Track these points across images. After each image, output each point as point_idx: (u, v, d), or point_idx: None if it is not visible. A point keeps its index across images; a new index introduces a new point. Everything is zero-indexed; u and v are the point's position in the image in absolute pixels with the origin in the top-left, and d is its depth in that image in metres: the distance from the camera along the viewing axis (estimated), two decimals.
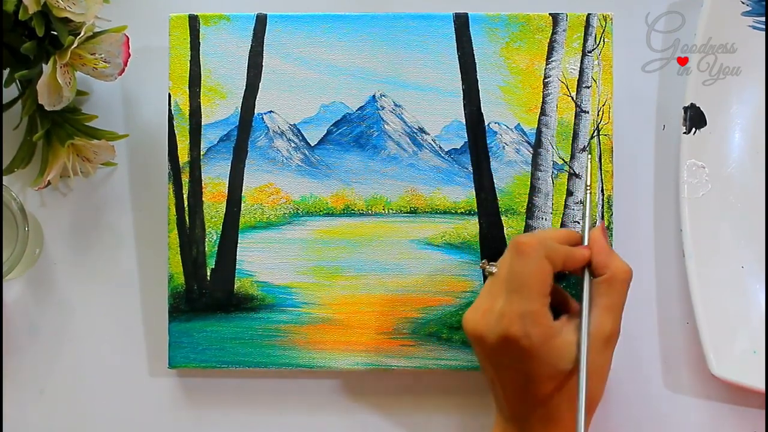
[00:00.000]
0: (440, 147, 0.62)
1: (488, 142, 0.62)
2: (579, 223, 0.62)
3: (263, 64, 0.62)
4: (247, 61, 0.62)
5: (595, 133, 0.62)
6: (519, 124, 0.62)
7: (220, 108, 0.62)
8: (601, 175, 0.62)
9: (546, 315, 0.53)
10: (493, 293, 0.54)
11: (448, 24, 0.62)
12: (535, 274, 0.53)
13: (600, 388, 0.55)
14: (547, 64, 0.62)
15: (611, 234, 0.61)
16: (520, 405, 0.54)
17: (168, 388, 0.64)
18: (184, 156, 0.62)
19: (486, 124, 0.62)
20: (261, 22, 0.62)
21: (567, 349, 0.53)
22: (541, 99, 0.62)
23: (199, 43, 0.62)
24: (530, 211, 0.62)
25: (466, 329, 0.55)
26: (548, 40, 0.62)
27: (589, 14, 0.62)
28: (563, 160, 0.62)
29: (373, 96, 0.62)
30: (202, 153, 0.62)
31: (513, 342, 0.52)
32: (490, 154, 0.62)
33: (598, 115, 0.62)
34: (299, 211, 0.62)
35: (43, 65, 0.58)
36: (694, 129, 0.62)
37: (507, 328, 0.52)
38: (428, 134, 0.62)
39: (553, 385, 0.53)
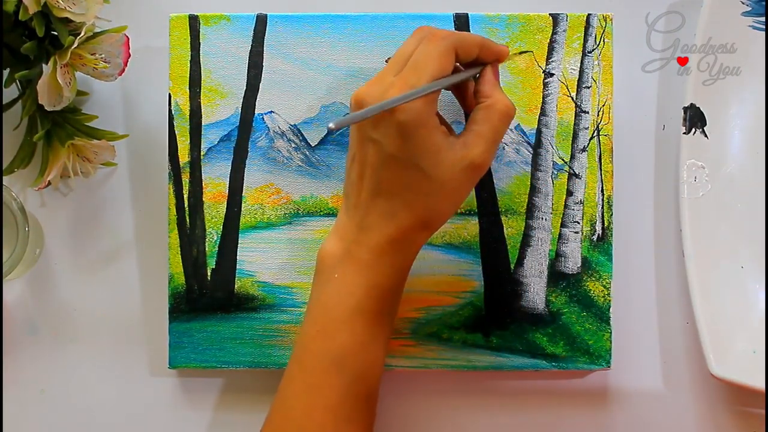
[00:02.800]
0: None
1: None
2: (579, 223, 0.62)
3: (263, 64, 0.62)
4: (247, 61, 0.62)
5: (595, 133, 0.62)
6: (519, 124, 0.62)
7: (221, 108, 0.62)
8: (601, 175, 0.62)
9: (433, 101, 0.51)
10: (388, 69, 0.52)
11: (448, 24, 0.62)
12: (436, 57, 0.51)
13: (450, 209, 0.53)
14: (547, 65, 0.62)
15: (611, 234, 0.61)
16: (369, 192, 0.52)
17: (168, 388, 0.64)
18: (184, 156, 0.62)
19: None
20: (261, 22, 0.62)
21: (443, 157, 0.51)
22: (541, 99, 0.62)
23: (200, 43, 0.62)
24: (530, 211, 0.62)
25: (351, 99, 0.52)
26: (548, 40, 0.62)
27: (589, 14, 0.62)
28: (563, 160, 0.62)
29: None
30: (202, 153, 0.62)
31: (391, 112, 0.50)
32: None
33: (598, 115, 0.62)
34: (300, 212, 0.62)
35: (43, 65, 0.58)
36: (694, 129, 0.62)
37: (390, 96, 0.49)
38: None
39: (408, 179, 0.51)
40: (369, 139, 0.51)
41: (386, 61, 0.56)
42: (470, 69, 0.55)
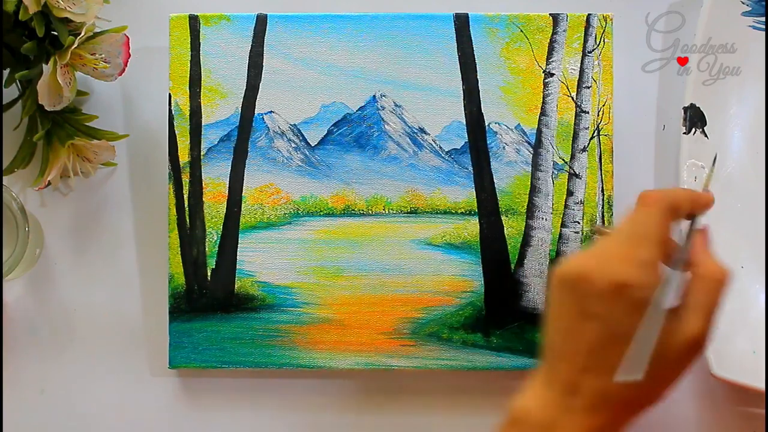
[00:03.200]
0: (440, 147, 0.62)
1: (488, 142, 0.62)
2: (579, 223, 0.62)
3: (263, 64, 0.62)
4: (247, 61, 0.62)
5: (595, 133, 0.62)
6: (519, 124, 0.62)
7: (221, 108, 0.62)
8: (601, 175, 0.62)
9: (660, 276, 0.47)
10: (608, 243, 0.49)
11: (448, 24, 0.62)
12: (658, 223, 0.48)
13: (664, 389, 0.49)
14: (547, 65, 0.62)
15: None
16: (580, 370, 0.48)
17: (168, 388, 0.64)
18: (184, 156, 0.62)
19: (486, 124, 0.62)
20: (261, 22, 0.62)
21: (663, 331, 0.47)
22: (541, 99, 0.62)
23: (200, 43, 0.62)
24: (530, 211, 0.62)
25: (563, 272, 0.48)
26: (548, 40, 0.62)
27: (589, 14, 0.62)
28: (563, 160, 0.62)
29: (374, 96, 0.62)
30: (202, 153, 0.62)
31: (626, 288, 0.46)
32: (490, 154, 0.62)
33: (598, 115, 0.62)
34: (300, 212, 0.62)
35: (44, 65, 0.58)
36: (694, 129, 0.62)
37: (624, 272, 0.46)
38: (428, 134, 0.62)
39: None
40: (593, 315, 0.48)
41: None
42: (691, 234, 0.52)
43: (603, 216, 0.62)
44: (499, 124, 0.62)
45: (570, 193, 0.62)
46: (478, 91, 0.62)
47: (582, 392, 0.48)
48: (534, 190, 0.62)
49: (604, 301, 0.47)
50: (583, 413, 0.48)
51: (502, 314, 0.62)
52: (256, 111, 0.62)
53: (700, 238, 0.52)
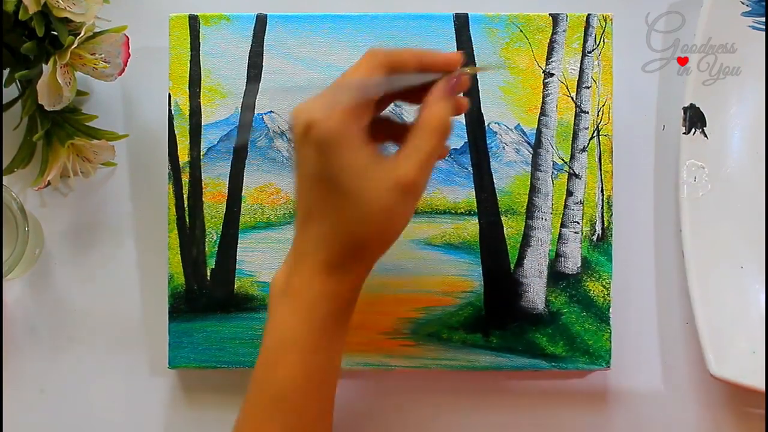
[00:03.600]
0: None
1: (488, 142, 0.62)
2: (579, 223, 0.62)
3: (263, 64, 0.62)
4: (247, 61, 0.62)
5: (595, 133, 0.62)
6: (519, 124, 0.62)
7: (220, 108, 0.62)
8: (601, 175, 0.62)
9: (356, 117, 0.46)
10: (323, 91, 0.48)
11: (448, 24, 0.62)
12: (363, 73, 0.47)
13: (385, 233, 0.49)
14: (546, 65, 0.62)
15: (611, 234, 0.61)
16: (301, 216, 0.49)
17: (168, 388, 0.64)
18: (184, 156, 0.62)
19: (486, 124, 0.62)
20: (261, 22, 0.62)
21: (369, 177, 0.46)
22: (541, 99, 0.62)
23: (199, 43, 0.62)
24: (530, 211, 0.62)
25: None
26: (548, 41, 0.62)
27: (589, 14, 0.62)
28: (563, 160, 0.62)
29: None
30: (202, 153, 0.62)
31: (309, 129, 0.46)
32: (490, 154, 0.62)
33: (598, 115, 0.62)
34: None
35: (43, 65, 0.58)
36: (694, 129, 0.62)
37: (307, 112, 0.46)
38: None
39: (334, 202, 0.47)
40: (296, 159, 0.48)
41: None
42: (417, 76, 0.50)
43: (603, 216, 0.61)
44: (498, 124, 0.62)
45: (570, 194, 0.62)
46: (478, 91, 0.62)
47: (306, 247, 0.48)
48: (534, 190, 0.62)
49: (300, 146, 0.47)
50: (312, 268, 0.48)
51: (501, 314, 0.62)
52: (256, 111, 0.62)
53: (439, 86, 0.49)
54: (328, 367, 0.50)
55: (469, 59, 0.62)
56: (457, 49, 0.62)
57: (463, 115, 0.62)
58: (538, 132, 0.62)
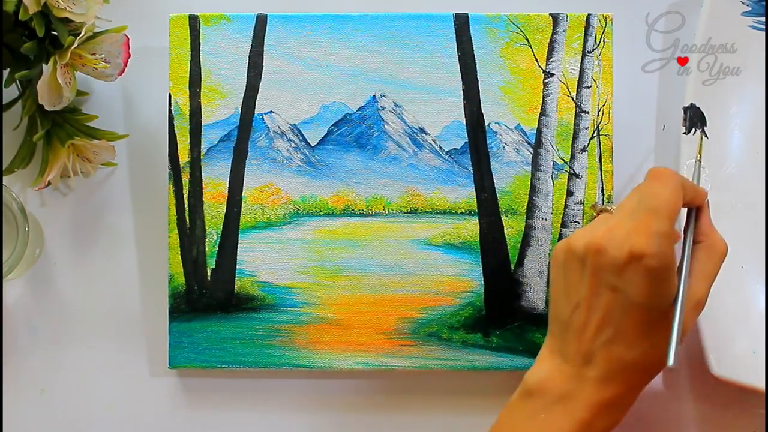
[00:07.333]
0: (440, 147, 0.62)
1: (488, 142, 0.62)
2: (579, 223, 0.62)
3: (263, 64, 0.62)
4: (247, 61, 0.62)
5: (595, 133, 0.62)
6: (519, 124, 0.62)
7: (221, 108, 0.62)
8: (601, 175, 0.62)
9: (675, 243, 0.49)
10: (619, 216, 0.50)
11: (448, 24, 0.62)
12: (672, 198, 0.49)
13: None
14: (547, 65, 0.62)
15: None
16: (604, 341, 0.50)
17: (168, 388, 0.64)
18: (184, 156, 0.62)
19: (486, 124, 0.62)
20: (261, 22, 0.62)
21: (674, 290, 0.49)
22: (541, 99, 0.62)
23: (200, 43, 0.62)
24: (530, 211, 0.62)
25: (574, 245, 0.50)
26: (548, 40, 0.62)
27: (589, 14, 0.62)
28: (563, 160, 0.62)
29: (374, 96, 0.62)
30: (202, 153, 0.62)
31: (639, 259, 0.48)
32: (490, 154, 0.62)
33: (598, 115, 0.62)
34: (299, 211, 0.62)
35: (43, 65, 0.58)
36: (694, 129, 0.62)
37: (637, 243, 0.48)
38: (428, 134, 0.62)
39: (652, 325, 0.49)
40: (608, 286, 0.49)
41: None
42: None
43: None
44: (499, 124, 0.62)
45: (570, 193, 0.62)
46: (478, 91, 0.62)
47: (596, 362, 0.50)
48: (534, 190, 0.62)
49: (620, 272, 0.48)
50: (598, 382, 0.50)
51: (501, 314, 0.62)
52: (256, 111, 0.62)
53: (706, 213, 0.54)
54: None
55: (469, 59, 0.62)
56: (457, 50, 0.62)
57: (463, 114, 0.62)
58: (539, 132, 0.62)
